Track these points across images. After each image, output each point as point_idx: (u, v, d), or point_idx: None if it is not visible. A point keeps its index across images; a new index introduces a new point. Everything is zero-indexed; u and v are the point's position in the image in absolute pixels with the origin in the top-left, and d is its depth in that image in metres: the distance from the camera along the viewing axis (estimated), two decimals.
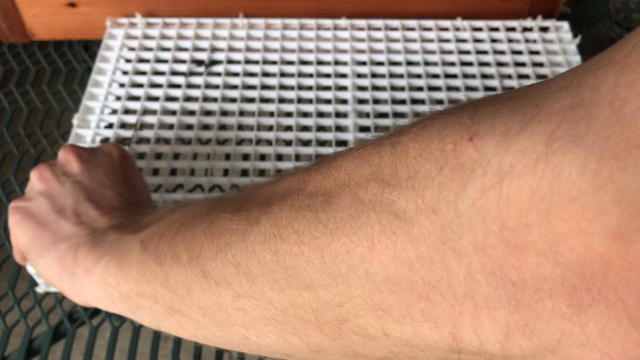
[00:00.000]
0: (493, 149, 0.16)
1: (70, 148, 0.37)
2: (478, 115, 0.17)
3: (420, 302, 0.18)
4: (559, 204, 0.15)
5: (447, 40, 0.54)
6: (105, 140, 0.46)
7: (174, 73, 0.51)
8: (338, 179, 0.21)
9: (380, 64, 0.52)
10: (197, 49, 0.53)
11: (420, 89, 0.50)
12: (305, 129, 0.48)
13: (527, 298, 0.16)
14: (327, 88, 0.50)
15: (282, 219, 0.21)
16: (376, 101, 0.49)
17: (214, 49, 0.53)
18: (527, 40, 0.54)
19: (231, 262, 0.23)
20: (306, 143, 0.47)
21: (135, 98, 0.49)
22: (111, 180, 0.36)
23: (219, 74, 0.51)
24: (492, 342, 0.17)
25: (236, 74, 0.51)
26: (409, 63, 0.52)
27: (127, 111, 0.48)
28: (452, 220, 0.17)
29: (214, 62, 0.52)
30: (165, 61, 0.52)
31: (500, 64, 0.52)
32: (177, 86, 0.50)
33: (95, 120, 0.47)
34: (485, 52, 0.53)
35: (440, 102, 0.48)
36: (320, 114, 0.48)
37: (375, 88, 0.50)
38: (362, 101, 0.49)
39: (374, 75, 0.51)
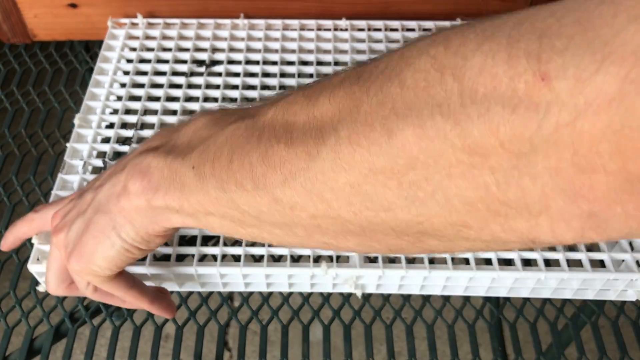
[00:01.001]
0: (567, 91, 0.17)
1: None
2: (546, 51, 0.17)
3: (497, 218, 0.20)
4: (630, 136, 0.16)
5: None
6: (106, 140, 0.46)
7: (175, 73, 0.51)
8: (396, 108, 0.20)
9: None
10: (197, 49, 0.53)
11: None
12: None
13: (598, 208, 0.18)
14: None
15: (343, 152, 0.22)
16: None
17: (214, 49, 0.53)
18: None
19: (302, 188, 0.23)
20: None
21: (136, 98, 0.49)
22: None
23: (219, 74, 0.51)
24: (567, 239, 0.19)
25: (237, 74, 0.51)
26: None
27: (128, 111, 0.48)
28: (527, 153, 0.18)
29: (215, 62, 0.52)
30: (166, 61, 0.52)
31: None
32: (178, 86, 0.50)
33: (96, 120, 0.47)
34: None
35: None
36: None
37: None
38: None
39: None
